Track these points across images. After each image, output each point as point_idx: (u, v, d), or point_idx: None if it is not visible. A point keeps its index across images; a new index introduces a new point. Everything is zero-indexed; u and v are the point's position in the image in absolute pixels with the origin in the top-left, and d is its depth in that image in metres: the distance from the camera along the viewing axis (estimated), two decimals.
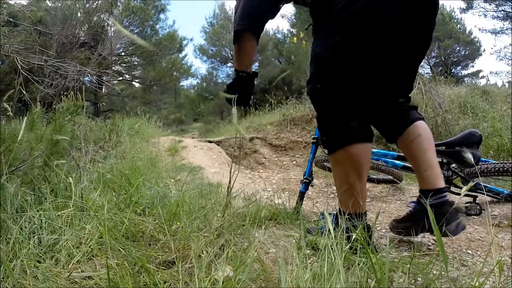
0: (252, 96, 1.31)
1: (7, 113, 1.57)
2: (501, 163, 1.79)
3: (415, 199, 1.23)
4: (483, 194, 1.95)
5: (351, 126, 1.04)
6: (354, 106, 1.04)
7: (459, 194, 1.95)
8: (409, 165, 2.07)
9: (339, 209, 1.11)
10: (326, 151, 1.14)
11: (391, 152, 2.09)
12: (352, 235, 0.88)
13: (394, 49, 1.03)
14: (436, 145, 1.93)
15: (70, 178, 1.31)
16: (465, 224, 1.15)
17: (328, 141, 1.09)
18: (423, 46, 1.12)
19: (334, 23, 1.00)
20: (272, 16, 1.17)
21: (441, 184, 1.12)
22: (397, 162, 2.06)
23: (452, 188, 1.95)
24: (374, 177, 2.38)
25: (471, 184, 0.89)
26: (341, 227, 0.91)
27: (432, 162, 1.12)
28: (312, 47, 1.10)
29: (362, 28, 0.97)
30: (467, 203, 1.84)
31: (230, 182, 1.22)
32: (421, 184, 1.16)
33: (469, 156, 0.98)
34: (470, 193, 1.86)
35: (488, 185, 1.94)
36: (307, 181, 1.71)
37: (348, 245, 0.88)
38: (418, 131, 1.15)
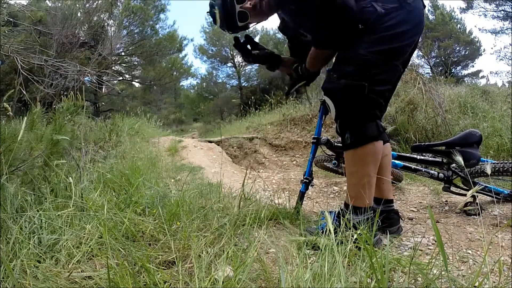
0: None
1: (7, 113, 1.57)
2: (501, 163, 1.78)
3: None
4: (483, 194, 1.95)
5: (379, 124, 1.19)
6: (381, 107, 1.21)
7: (458, 194, 1.95)
8: (410, 165, 2.07)
9: (347, 205, 1.18)
10: (348, 145, 1.20)
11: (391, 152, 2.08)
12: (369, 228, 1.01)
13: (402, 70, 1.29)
14: (436, 145, 1.93)
15: (70, 178, 1.31)
16: (402, 228, 1.45)
17: (358, 135, 1.18)
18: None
19: (382, 35, 1.15)
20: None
21: (392, 196, 1.42)
22: (397, 162, 2.06)
23: (452, 188, 1.95)
24: None
25: (477, 187, 0.89)
26: (341, 225, 0.98)
27: (388, 178, 1.41)
28: (354, 47, 1.19)
29: (402, 47, 1.19)
30: (467, 203, 1.84)
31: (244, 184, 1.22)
32: (376, 193, 1.36)
33: (459, 158, 1.00)
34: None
35: (488, 185, 1.94)
36: (307, 181, 1.71)
37: (351, 244, 0.89)
38: (386, 151, 1.39)
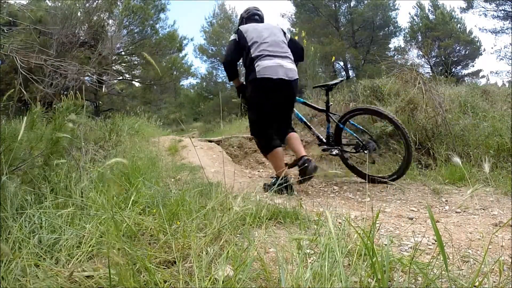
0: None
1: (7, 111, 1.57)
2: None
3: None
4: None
5: (274, 143, 2.35)
6: (271, 134, 2.37)
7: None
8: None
9: (276, 176, 2.39)
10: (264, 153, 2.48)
11: None
12: (285, 185, 2.18)
13: (275, 112, 2.40)
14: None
15: (69, 184, 1.31)
16: (317, 167, 2.29)
17: (265, 149, 2.42)
18: (288, 110, 2.47)
19: (250, 102, 2.44)
20: None
21: (303, 152, 2.32)
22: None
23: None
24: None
25: (476, 186, 0.89)
26: (275, 185, 2.05)
27: (300, 148, 2.38)
28: (248, 115, 2.56)
29: (263, 108, 2.35)
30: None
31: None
32: (296, 155, 2.39)
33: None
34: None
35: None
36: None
37: (351, 244, 0.89)
38: (291, 136, 2.46)
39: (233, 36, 2.33)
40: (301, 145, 2.33)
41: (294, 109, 2.66)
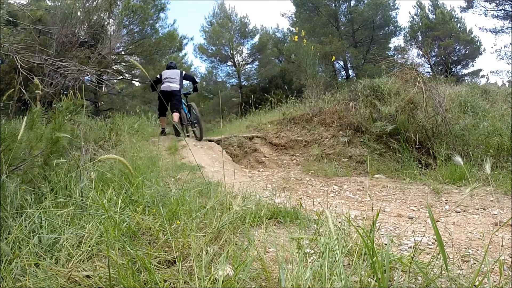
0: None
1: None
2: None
3: None
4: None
5: (162, 114, 5.37)
6: (163, 112, 5.35)
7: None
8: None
9: (161, 127, 5.39)
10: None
11: None
12: (165, 131, 5.35)
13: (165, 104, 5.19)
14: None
15: (68, 183, 1.31)
16: (165, 132, 5.31)
17: (159, 116, 5.47)
18: (173, 102, 5.06)
19: (158, 101, 5.54)
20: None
21: (164, 125, 5.44)
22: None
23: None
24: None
25: (475, 185, 0.89)
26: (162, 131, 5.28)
27: (163, 124, 5.48)
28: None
29: (162, 102, 5.26)
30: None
31: None
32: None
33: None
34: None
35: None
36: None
37: (351, 244, 0.88)
38: (162, 118, 5.57)
39: (158, 75, 5.18)
40: (164, 122, 5.24)
41: (183, 106, 5.08)
